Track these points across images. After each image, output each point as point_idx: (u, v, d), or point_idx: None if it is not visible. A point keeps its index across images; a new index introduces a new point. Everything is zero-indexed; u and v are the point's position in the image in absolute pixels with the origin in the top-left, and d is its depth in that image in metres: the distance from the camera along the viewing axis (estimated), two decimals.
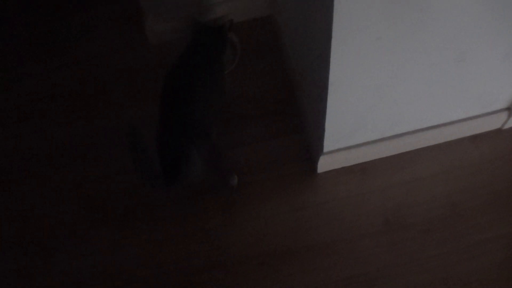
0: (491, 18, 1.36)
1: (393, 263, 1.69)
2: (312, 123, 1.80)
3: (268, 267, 1.72)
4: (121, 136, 1.62)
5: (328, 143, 1.70)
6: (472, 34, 1.41)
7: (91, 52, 2.22)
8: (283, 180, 1.85)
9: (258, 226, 1.78)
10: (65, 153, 2.01)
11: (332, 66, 1.38)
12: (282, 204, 1.81)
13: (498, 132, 1.86)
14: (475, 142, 1.86)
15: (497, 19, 1.37)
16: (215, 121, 1.74)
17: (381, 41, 1.34)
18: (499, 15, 1.35)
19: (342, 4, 1.19)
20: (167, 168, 1.59)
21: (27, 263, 1.83)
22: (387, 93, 1.54)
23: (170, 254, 1.78)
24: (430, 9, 1.28)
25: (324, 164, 1.81)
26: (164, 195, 1.83)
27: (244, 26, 2.13)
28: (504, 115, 1.80)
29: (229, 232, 1.77)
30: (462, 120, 1.78)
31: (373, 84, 1.49)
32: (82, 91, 2.13)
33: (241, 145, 1.92)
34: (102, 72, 2.16)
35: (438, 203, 1.78)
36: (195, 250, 1.75)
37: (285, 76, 2.04)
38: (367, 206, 1.79)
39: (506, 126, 1.86)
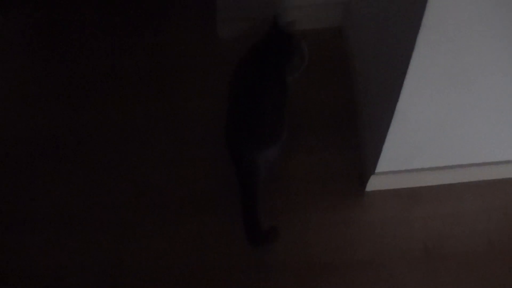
0: None
1: None
2: (369, 142, 1.82)
3: (305, 276, 1.75)
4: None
5: (381, 165, 1.72)
6: None
7: (160, 40, 2.26)
8: (332, 193, 1.88)
9: (302, 236, 1.81)
10: (120, 135, 2.04)
11: (403, 95, 1.41)
12: (327, 217, 1.84)
13: None
14: None
15: None
16: (286, 124, 1.79)
17: (456, 78, 1.36)
18: None
19: (425, 40, 1.22)
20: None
21: (68, 238, 1.86)
22: (451, 127, 1.56)
23: (212, 251, 1.81)
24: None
25: (374, 184, 1.83)
26: None
27: (314, 34, 2.15)
28: None
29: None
30: None
31: (439, 117, 1.51)
32: (145, 76, 2.17)
33: (295, 153, 1.95)
34: (168, 61, 2.20)
35: (477, 239, 1.79)
36: (237, 250, 1.78)
37: (349, 91, 2.06)
38: (409, 231, 1.81)
39: None
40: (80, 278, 1.80)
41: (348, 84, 2.08)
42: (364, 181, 1.86)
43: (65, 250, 1.84)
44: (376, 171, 1.76)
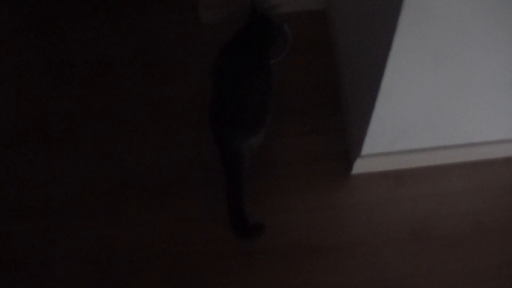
0: None
1: (414, 273, 1.72)
2: (354, 124, 1.81)
3: (292, 260, 1.75)
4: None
5: (367, 147, 1.71)
6: None
7: (144, 23, 2.24)
8: (317, 176, 1.87)
9: (288, 219, 1.81)
10: (105, 121, 2.03)
11: (386, 75, 1.39)
12: (314, 200, 1.84)
13: None
14: (509, 165, 1.87)
15: None
16: (270, 109, 1.78)
17: (439, 58, 1.35)
18: None
19: (407, 19, 1.21)
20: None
21: (55, 226, 1.86)
22: (436, 107, 1.55)
23: (198, 235, 1.81)
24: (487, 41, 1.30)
25: (360, 166, 1.82)
26: None
27: (297, 17, 2.14)
28: None
29: (258, 221, 1.76)
30: (501, 141, 1.79)
31: (424, 97, 1.50)
32: (130, 62, 2.15)
33: (280, 137, 1.94)
34: (151, 45, 2.18)
35: (464, 220, 1.79)
36: (223, 235, 1.77)
37: (333, 73, 2.05)
38: (396, 213, 1.81)
39: None
40: (68, 266, 1.80)
41: (332, 66, 2.07)
42: (350, 163, 1.85)
43: (52, 238, 1.84)
44: (362, 153, 1.75)
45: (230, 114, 1.70)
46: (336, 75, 2.04)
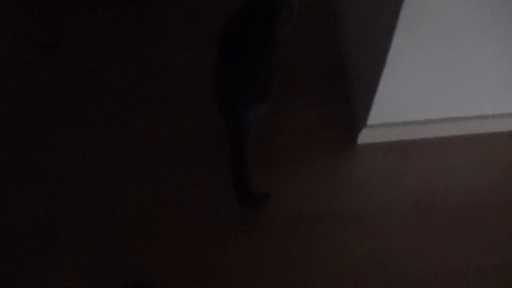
0: None
1: (417, 244, 1.72)
2: (359, 94, 1.80)
3: (295, 229, 1.75)
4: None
5: (373, 117, 1.72)
6: None
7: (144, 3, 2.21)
8: (322, 146, 1.87)
9: (293, 188, 1.81)
10: (111, 93, 2.02)
11: (393, 46, 1.39)
12: (318, 170, 1.83)
13: None
14: None
15: None
16: (275, 79, 1.77)
17: (446, 30, 1.35)
18: None
19: None
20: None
21: (61, 196, 1.85)
22: (442, 78, 1.55)
23: (202, 206, 1.81)
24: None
25: (365, 137, 1.82)
26: None
27: None
28: None
29: (263, 189, 1.78)
30: (508, 114, 1.79)
31: (430, 68, 1.50)
32: (135, 33, 2.14)
33: (286, 107, 1.93)
34: (156, 17, 2.16)
35: (469, 193, 1.79)
36: (229, 204, 1.78)
37: (339, 43, 2.03)
38: (400, 184, 1.81)
39: None
40: (72, 235, 1.79)
41: (338, 37, 2.05)
42: (355, 134, 1.85)
43: (57, 206, 1.84)
44: (368, 123, 1.75)
45: (235, 83, 1.69)
46: (342, 44, 2.02)
